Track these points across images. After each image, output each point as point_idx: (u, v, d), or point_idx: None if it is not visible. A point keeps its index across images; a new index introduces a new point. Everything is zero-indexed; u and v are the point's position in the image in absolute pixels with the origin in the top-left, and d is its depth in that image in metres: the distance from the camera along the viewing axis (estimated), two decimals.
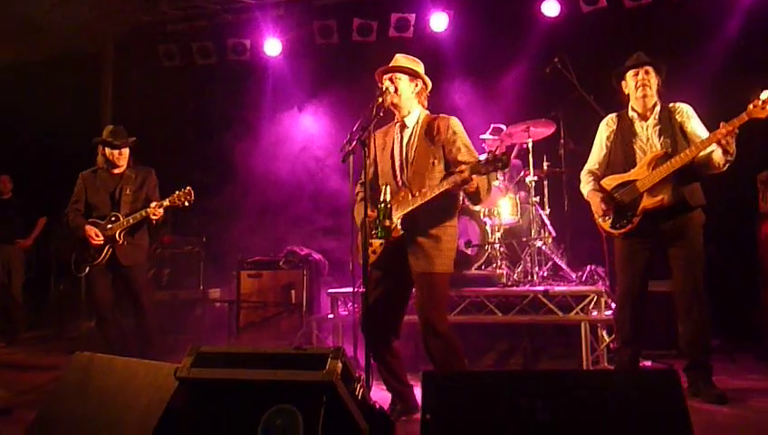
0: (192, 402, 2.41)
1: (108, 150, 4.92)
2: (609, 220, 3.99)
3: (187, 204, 4.74)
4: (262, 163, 7.23)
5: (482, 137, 5.97)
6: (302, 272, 6.05)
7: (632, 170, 3.94)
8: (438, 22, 7.37)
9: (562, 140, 6.06)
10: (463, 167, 3.28)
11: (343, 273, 6.26)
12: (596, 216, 4.09)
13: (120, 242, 4.81)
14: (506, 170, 3.33)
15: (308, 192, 7.29)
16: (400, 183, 3.58)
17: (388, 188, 3.44)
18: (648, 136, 3.97)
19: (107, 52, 8.59)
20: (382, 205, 3.37)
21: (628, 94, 4.07)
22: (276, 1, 7.86)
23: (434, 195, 3.38)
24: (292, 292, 6.01)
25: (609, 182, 4.04)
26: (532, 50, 6.77)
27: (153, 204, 4.72)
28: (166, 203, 4.73)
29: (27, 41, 8.04)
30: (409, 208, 3.45)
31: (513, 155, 6.01)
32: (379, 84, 3.68)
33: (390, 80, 3.59)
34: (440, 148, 3.53)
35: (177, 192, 4.74)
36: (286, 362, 2.35)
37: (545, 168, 6.04)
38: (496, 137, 5.89)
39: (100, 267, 4.84)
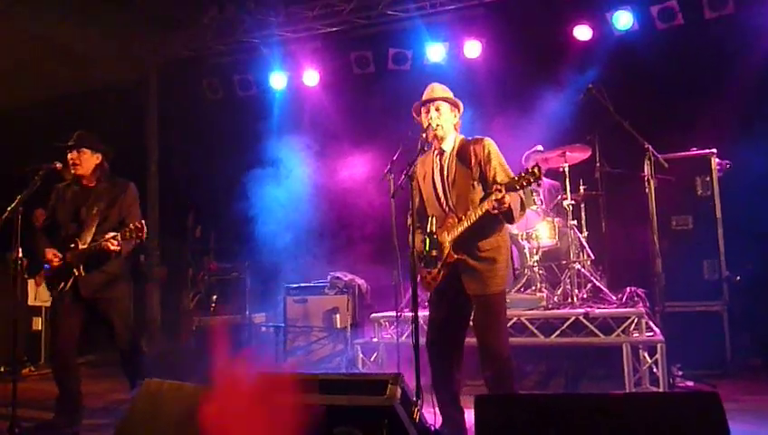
0: None
1: (68, 155, 4.49)
2: None
3: (138, 241, 4.29)
4: (305, 190, 7.39)
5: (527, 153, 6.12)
6: (346, 297, 6.22)
7: None
8: (472, 49, 7.56)
9: (598, 164, 6.15)
10: (498, 186, 3.33)
11: (385, 298, 6.40)
12: None
13: (79, 275, 4.32)
14: (539, 185, 3.41)
15: (350, 219, 7.43)
16: (446, 208, 3.68)
17: (434, 219, 3.59)
18: None
19: (151, 83, 8.92)
20: (427, 237, 3.53)
21: None
22: (314, 34, 8.14)
23: (477, 217, 3.47)
24: (337, 316, 6.18)
25: None
26: (566, 74, 6.88)
27: (110, 234, 4.22)
28: (115, 239, 4.20)
29: (73, 73, 8.37)
30: (458, 233, 3.55)
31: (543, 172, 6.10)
32: (416, 117, 3.80)
33: (436, 109, 3.70)
34: (477, 169, 3.60)
35: (126, 229, 4.20)
36: (349, 387, 2.51)
37: (582, 191, 6.14)
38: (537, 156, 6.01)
39: (64, 299, 4.37)
